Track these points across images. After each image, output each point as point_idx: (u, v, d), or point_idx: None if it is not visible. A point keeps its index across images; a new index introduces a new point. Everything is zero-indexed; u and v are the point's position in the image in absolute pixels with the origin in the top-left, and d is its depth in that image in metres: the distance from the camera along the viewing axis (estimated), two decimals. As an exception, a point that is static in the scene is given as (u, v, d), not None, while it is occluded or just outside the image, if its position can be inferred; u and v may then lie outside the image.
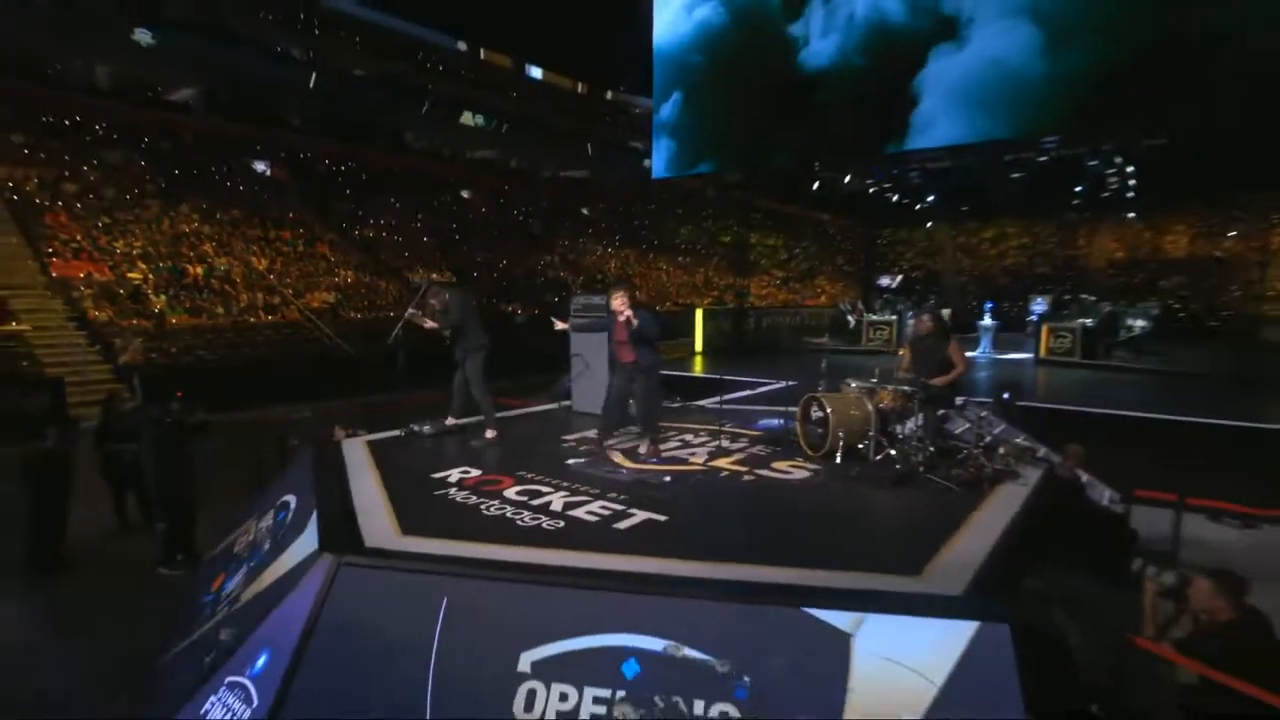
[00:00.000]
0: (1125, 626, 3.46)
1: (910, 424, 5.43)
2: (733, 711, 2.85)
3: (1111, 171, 13.29)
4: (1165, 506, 5.77)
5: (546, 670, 3.06)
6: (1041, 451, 5.94)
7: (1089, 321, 12.42)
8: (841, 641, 2.96)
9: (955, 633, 2.89)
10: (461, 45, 29.51)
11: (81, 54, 19.46)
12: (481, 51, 30.21)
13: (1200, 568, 3.51)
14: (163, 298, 14.00)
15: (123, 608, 5.10)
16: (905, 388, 5.56)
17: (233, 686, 3.34)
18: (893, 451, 5.38)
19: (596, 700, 2.97)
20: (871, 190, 15.69)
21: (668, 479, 5.21)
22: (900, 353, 6.26)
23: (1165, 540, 5.43)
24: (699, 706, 2.89)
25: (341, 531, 4.00)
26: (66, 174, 16.63)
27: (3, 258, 13.28)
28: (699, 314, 15.07)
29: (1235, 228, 20.74)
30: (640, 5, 15.87)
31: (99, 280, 13.86)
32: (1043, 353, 12.71)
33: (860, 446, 5.59)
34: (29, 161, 16.47)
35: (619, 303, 5.77)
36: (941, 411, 5.78)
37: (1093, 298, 14.11)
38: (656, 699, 2.93)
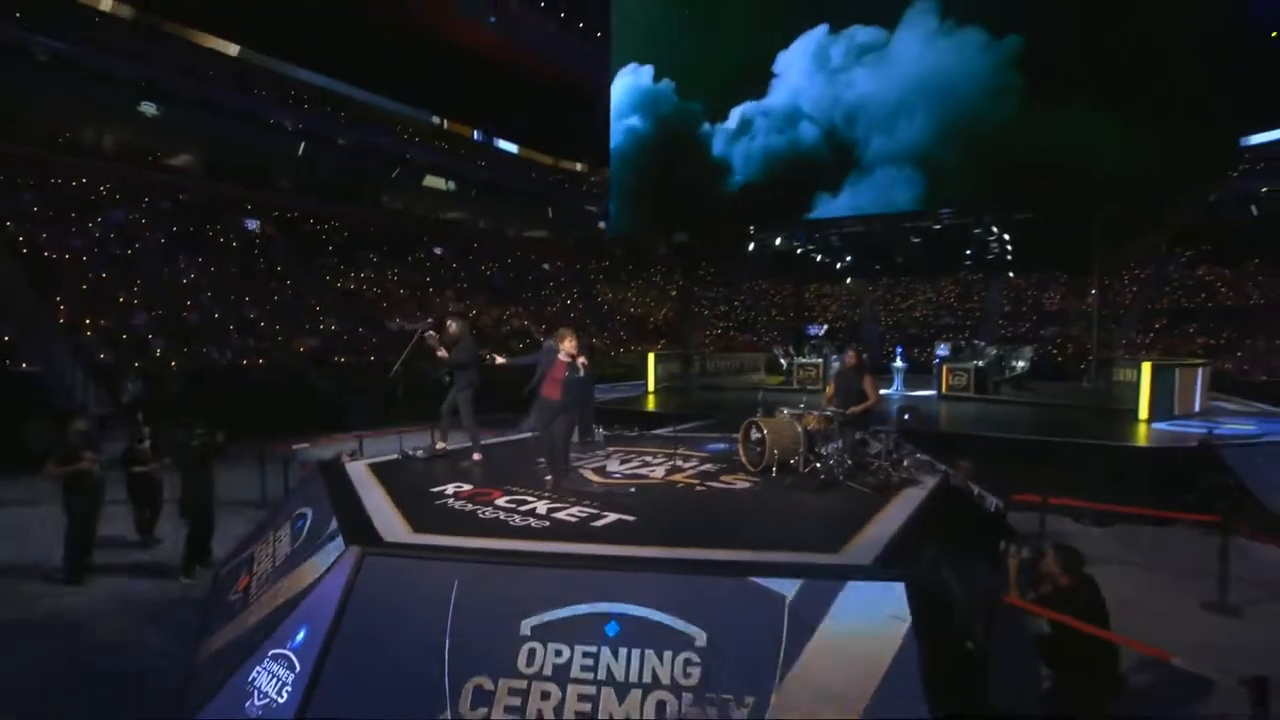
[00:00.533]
0: (997, 589, 4.06)
1: (832, 444, 6.01)
2: (694, 658, 3.30)
3: (992, 239, 14.59)
4: (1033, 510, 6.52)
5: (543, 633, 3.45)
6: (940, 466, 6.61)
7: (980, 363, 13.50)
8: (779, 602, 3.46)
9: (864, 590, 3.43)
10: (435, 119, 30.22)
11: (93, 123, 19.47)
12: (445, 122, 30.91)
13: (1049, 544, 4.17)
14: (160, 342, 13.89)
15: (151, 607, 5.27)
16: (828, 413, 6.19)
17: (276, 658, 3.61)
18: (818, 465, 5.95)
19: (585, 655, 3.37)
20: (799, 251, 16.73)
21: (633, 489, 5.67)
22: (826, 388, 6.91)
23: (1036, 535, 6.13)
24: (667, 656, 3.32)
25: (361, 530, 4.33)
26: (74, 229, 16.46)
27: (15, 305, 13.05)
28: (651, 357, 15.63)
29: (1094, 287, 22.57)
30: (598, 92, 16.90)
31: (104, 326, 13.71)
32: (944, 389, 13.69)
33: (791, 462, 6.14)
34: (39, 219, 16.28)
35: (572, 345, 5.78)
36: (859, 434, 6.39)
37: (984, 343, 15.29)
38: (633, 652, 3.35)
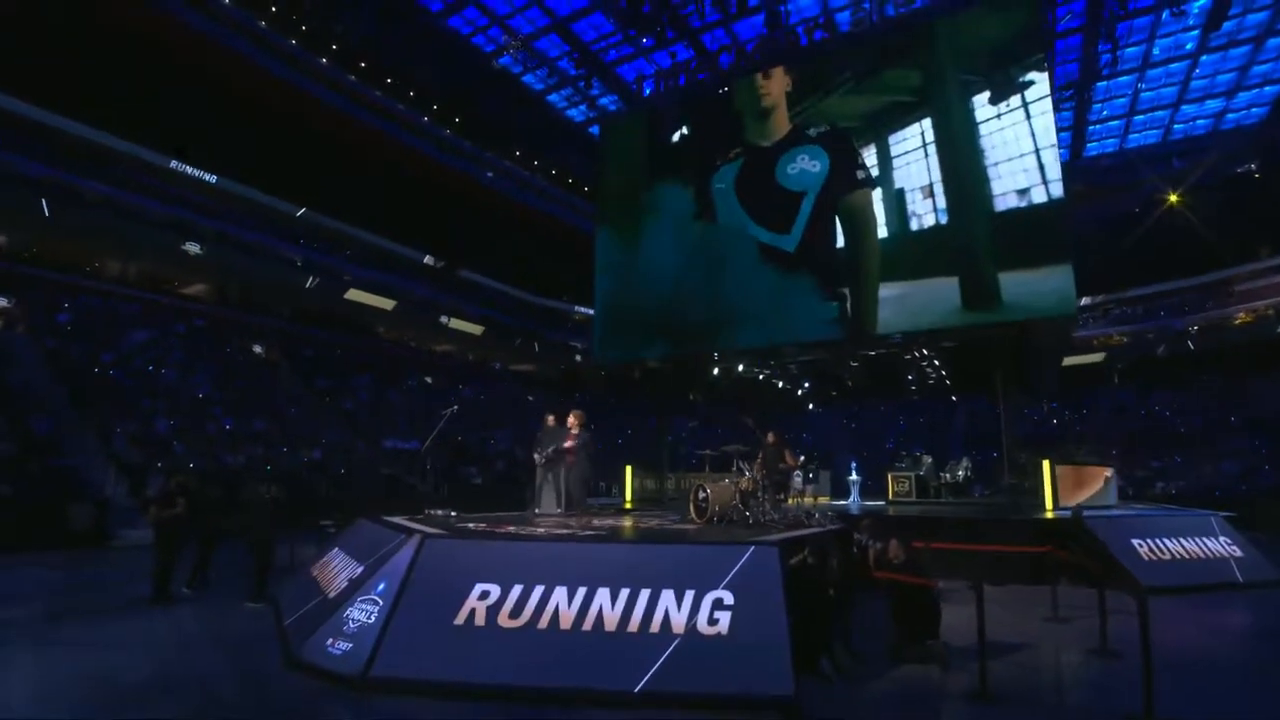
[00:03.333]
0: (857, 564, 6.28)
1: (760, 498, 8.28)
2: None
3: (926, 364, 17.53)
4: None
5: (545, 577, 5.59)
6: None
7: (920, 471, 15.93)
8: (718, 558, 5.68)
9: (752, 552, 5.66)
10: (428, 259, 34.11)
11: (134, 258, 22.73)
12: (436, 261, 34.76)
13: (890, 535, 6.42)
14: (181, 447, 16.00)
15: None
16: (757, 477, 8.54)
17: (365, 601, 5.67)
18: (749, 514, 8.20)
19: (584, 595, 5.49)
20: (760, 378, 19.55)
21: (608, 526, 7.87)
22: (757, 460, 9.29)
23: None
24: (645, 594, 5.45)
25: (412, 531, 6.49)
26: (104, 346, 19.14)
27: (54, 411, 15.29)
28: (628, 470, 17.78)
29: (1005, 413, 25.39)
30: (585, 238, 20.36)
31: (131, 431, 15.88)
32: (890, 496, 15.97)
33: (729, 512, 8.39)
34: (73, 335, 18.94)
35: (576, 421, 8.85)
36: (780, 495, 8.70)
37: (921, 452, 17.81)
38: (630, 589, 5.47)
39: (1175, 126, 32.76)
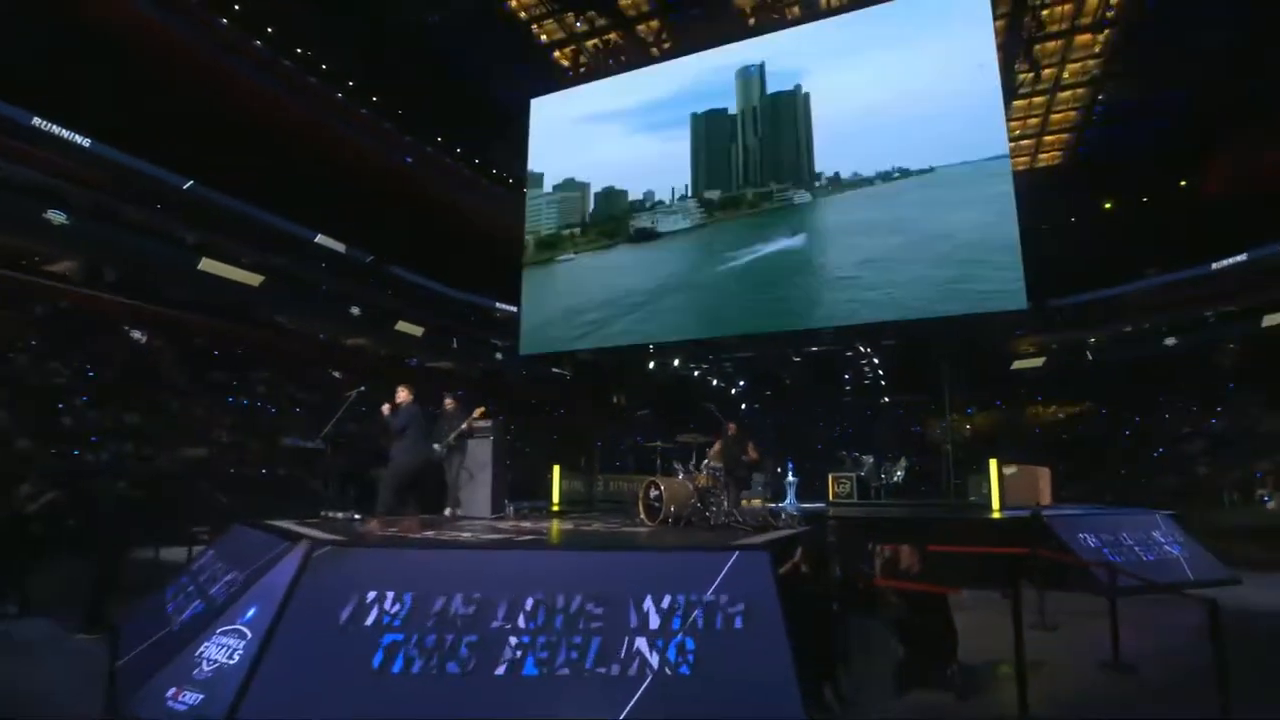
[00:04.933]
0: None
1: (721, 496, 7.19)
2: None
3: (865, 363, 17.11)
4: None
5: (475, 592, 4.27)
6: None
7: (861, 472, 15.37)
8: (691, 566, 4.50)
9: (737, 558, 4.53)
10: (341, 248, 31.48)
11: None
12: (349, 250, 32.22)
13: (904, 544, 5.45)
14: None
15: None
16: (716, 471, 7.43)
17: (226, 633, 4.17)
18: (708, 513, 7.09)
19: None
20: (695, 374, 18.65)
21: (545, 530, 6.55)
22: (712, 449, 8.21)
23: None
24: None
25: (299, 536, 5.00)
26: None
27: None
28: (556, 470, 16.43)
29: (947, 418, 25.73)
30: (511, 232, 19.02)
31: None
32: (831, 498, 15.32)
33: (685, 513, 7.25)
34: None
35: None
36: (744, 492, 7.65)
37: (859, 454, 17.33)
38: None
39: (1079, 150, 34.37)
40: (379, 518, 6.91)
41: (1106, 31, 26.13)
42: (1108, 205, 35.16)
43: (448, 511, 8.40)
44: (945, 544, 8.64)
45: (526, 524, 7.66)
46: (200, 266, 24.48)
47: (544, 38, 25.04)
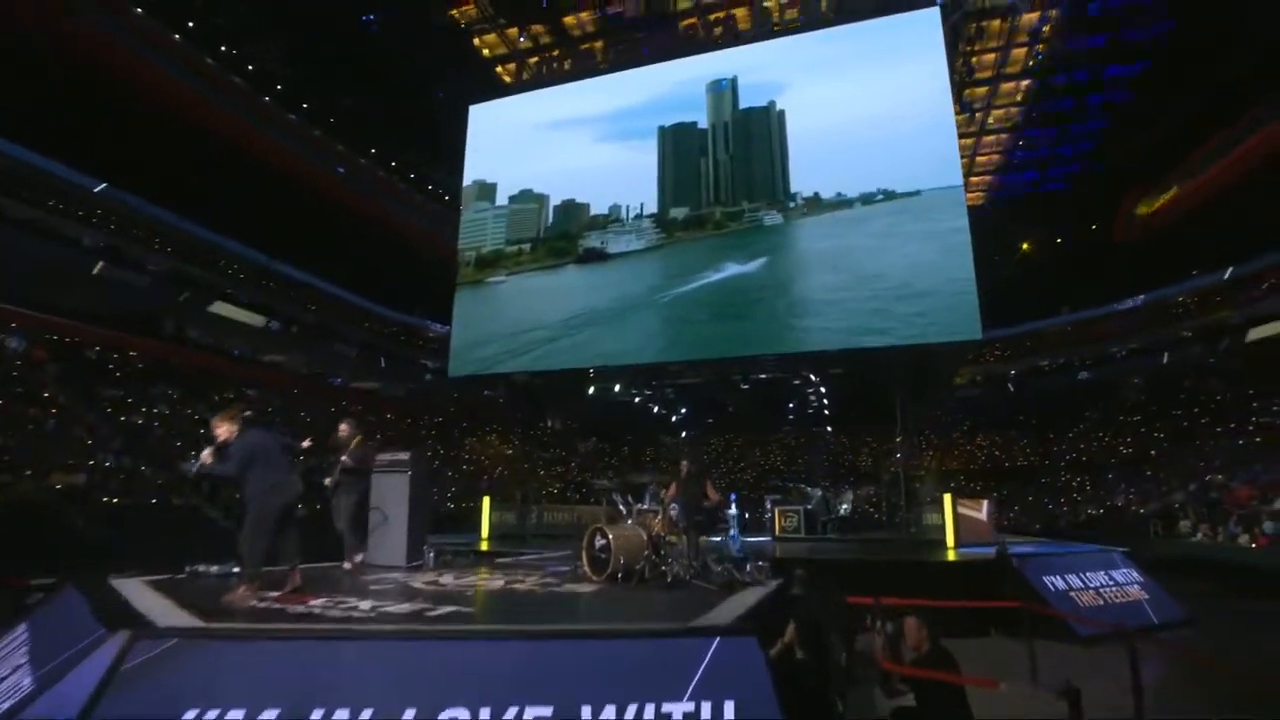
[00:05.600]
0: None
1: (679, 547, 6.06)
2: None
3: (811, 392, 16.39)
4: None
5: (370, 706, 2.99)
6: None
7: (809, 505, 14.52)
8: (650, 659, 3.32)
9: (721, 644, 3.40)
10: (263, 257, 29.12)
11: None
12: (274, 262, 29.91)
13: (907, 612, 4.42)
14: None
15: None
16: (673, 514, 6.29)
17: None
18: (664, 568, 5.93)
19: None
20: (637, 400, 17.53)
21: (470, 593, 5.24)
22: (667, 491, 7.08)
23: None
24: None
25: (129, 617, 3.58)
26: None
27: None
28: (486, 502, 14.97)
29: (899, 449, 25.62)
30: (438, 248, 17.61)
31: None
32: (777, 531, 14.39)
33: (638, 567, 6.06)
34: None
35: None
36: (704, 538, 6.53)
37: (807, 486, 16.55)
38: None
39: (999, 191, 35.50)
40: (249, 580, 5.01)
41: (1028, 81, 27.01)
42: (1025, 245, 36.36)
43: (347, 563, 6.87)
44: (921, 590, 7.81)
45: (447, 579, 6.30)
46: (95, 271, 21.92)
47: (486, 51, 23.93)
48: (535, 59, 21.58)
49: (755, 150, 14.61)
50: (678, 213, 15.34)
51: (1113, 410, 31.33)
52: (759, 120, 14.47)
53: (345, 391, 32.49)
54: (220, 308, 24.97)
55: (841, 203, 12.70)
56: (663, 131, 15.75)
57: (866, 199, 12.42)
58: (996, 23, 23.15)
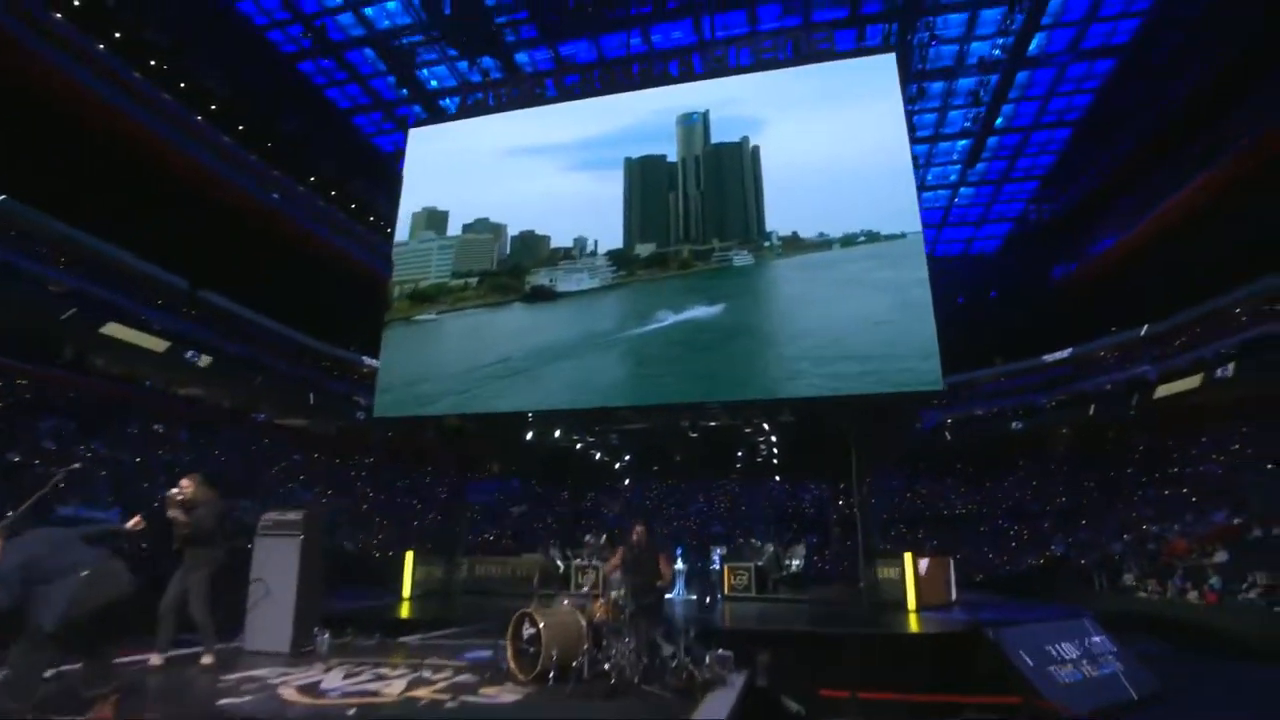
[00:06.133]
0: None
1: (624, 639, 4.88)
2: None
3: (761, 440, 15.51)
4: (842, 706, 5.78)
5: None
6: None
7: (760, 561, 13.44)
8: None
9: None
10: (181, 283, 26.79)
11: None
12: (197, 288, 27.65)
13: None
14: None
15: None
16: (617, 598, 5.11)
17: None
18: (607, 666, 4.73)
19: None
20: (578, 446, 16.29)
21: (351, 712, 3.92)
22: (610, 561, 5.91)
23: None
24: None
25: None
26: None
27: None
28: (409, 557, 13.33)
29: (839, 495, 24.87)
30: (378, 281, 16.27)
31: None
32: (726, 590, 13.23)
33: (574, 664, 4.84)
34: None
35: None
36: (657, 627, 5.36)
37: (757, 541, 15.51)
38: None
39: (936, 246, 36.34)
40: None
41: (965, 142, 27.79)
42: (959, 300, 37.14)
43: (206, 656, 5.31)
44: (891, 668, 6.82)
45: (334, 678, 4.91)
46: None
47: (435, 83, 23.00)
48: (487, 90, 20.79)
49: (728, 186, 13.90)
50: (643, 249, 14.37)
51: (1044, 459, 31.76)
52: (731, 155, 13.81)
53: (269, 428, 30.06)
54: (118, 331, 22.50)
55: (821, 243, 12.06)
56: (629, 163, 14.87)
57: (849, 240, 11.80)
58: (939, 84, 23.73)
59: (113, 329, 22.44)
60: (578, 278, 14.76)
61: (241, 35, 23.11)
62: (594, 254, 14.72)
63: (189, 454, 22.88)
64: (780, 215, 12.69)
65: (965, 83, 24.04)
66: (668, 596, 12.87)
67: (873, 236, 11.86)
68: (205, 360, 25.51)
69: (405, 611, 11.51)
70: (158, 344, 23.74)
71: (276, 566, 6.27)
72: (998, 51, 22.73)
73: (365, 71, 24.08)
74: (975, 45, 22.45)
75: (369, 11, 21.57)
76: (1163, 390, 26.47)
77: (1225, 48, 22.81)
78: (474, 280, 15.57)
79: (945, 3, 20.71)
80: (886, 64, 12.76)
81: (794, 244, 12.46)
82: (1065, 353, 33.68)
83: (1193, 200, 25.20)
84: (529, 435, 14.56)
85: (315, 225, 29.83)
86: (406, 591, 13.04)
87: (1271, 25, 20.55)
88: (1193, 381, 24.84)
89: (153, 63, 23.82)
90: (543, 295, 14.75)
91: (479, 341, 14.72)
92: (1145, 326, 29.47)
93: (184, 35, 23.93)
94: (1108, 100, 25.15)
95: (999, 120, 26.30)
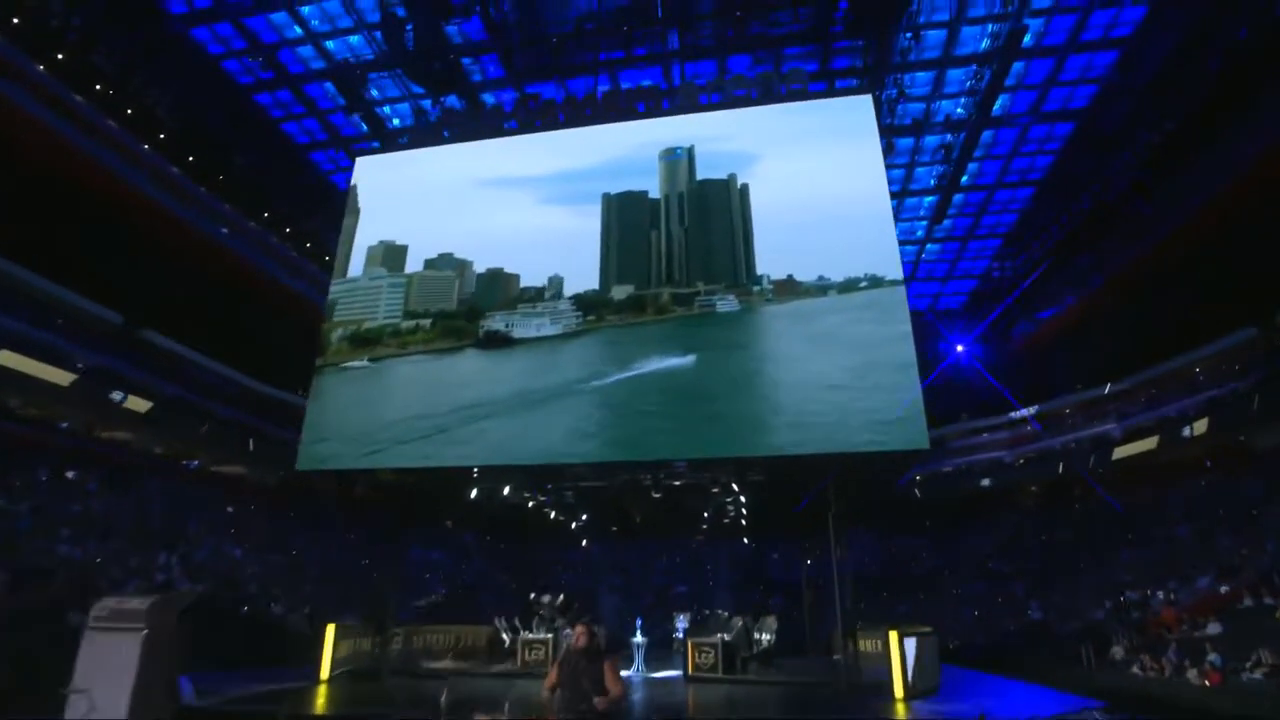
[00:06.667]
0: None
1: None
2: None
3: (729, 500, 14.29)
4: None
5: None
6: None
7: (727, 636, 12.02)
8: None
9: None
10: (115, 317, 24.85)
11: None
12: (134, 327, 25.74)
13: None
14: None
15: None
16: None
17: None
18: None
19: None
20: (530, 504, 14.84)
21: None
22: (548, 677, 4.56)
23: None
24: None
25: None
26: None
27: None
28: (330, 632, 11.58)
29: (810, 557, 23.59)
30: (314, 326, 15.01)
31: None
32: (690, 669, 11.74)
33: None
34: None
35: None
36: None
37: (727, 613, 14.06)
38: None
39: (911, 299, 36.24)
40: None
41: (931, 199, 27.91)
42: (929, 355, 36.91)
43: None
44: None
45: None
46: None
47: (397, 121, 22.17)
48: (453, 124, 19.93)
49: (714, 225, 13.02)
50: (620, 290, 13.29)
51: (1015, 517, 31.03)
52: (717, 193, 12.98)
53: (203, 476, 27.72)
54: (24, 364, 20.42)
55: (815, 289, 11.17)
56: (608, 199, 13.91)
57: (847, 286, 10.94)
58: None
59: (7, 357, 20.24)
60: (538, 323, 13.60)
61: (195, 63, 22.11)
62: (560, 296, 13.64)
63: (99, 503, 20.68)
64: (768, 257, 11.83)
65: (932, 140, 24.21)
66: (625, 673, 11.38)
67: (852, 285, 11.06)
68: (136, 402, 23.43)
69: (319, 701, 9.79)
70: (64, 378, 21.61)
71: (110, 670, 4.77)
72: (962, 110, 22.95)
73: (324, 106, 23.17)
74: (943, 104, 22.63)
75: (330, 45, 20.80)
76: (1120, 451, 26.21)
77: (1172, 115, 23.34)
78: (427, 322, 14.34)
79: (913, 60, 20.81)
80: (863, 105, 12.21)
81: (788, 288, 11.55)
82: (1031, 410, 33.46)
83: (1148, 261, 25.45)
84: (473, 493, 13.10)
85: (266, 263, 28.34)
86: (325, 671, 11.26)
87: (1215, 93, 21.04)
88: (1149, 443, 24.63)
89: (98, 87, 22.51)
90: (497, 342, 13.54)
91: (424, 390, 13.41)
92: (1108, 385, 29.41)
93: (133, 61, 22.73)
94: (1066, 162, 25.53)
95: (964, 178, 26.52)
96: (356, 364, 13.39)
